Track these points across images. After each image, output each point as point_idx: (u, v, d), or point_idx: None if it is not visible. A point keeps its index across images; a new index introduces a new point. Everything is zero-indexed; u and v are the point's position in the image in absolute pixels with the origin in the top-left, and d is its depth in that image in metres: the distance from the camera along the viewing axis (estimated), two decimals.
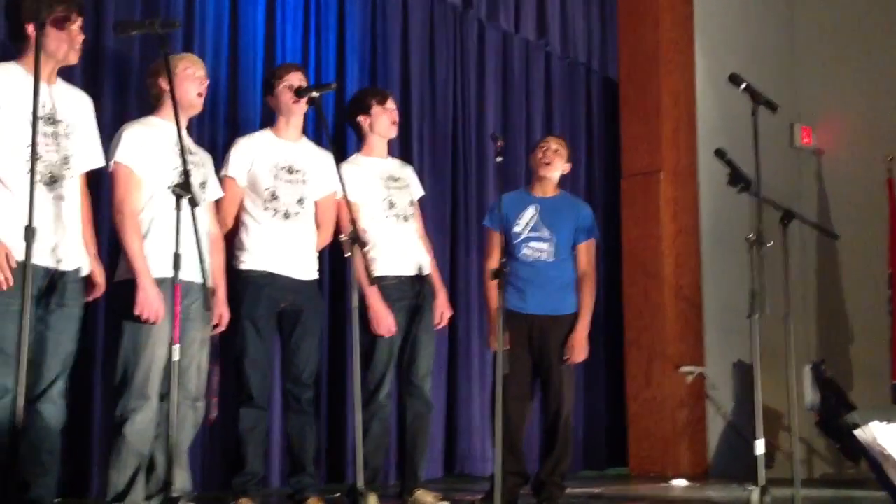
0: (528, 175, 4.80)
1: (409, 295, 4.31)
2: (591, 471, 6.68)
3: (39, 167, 3.07)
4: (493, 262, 4.51)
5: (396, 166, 4.51)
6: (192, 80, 3.71)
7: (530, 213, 4.54)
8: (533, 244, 4.50)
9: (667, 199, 6.87)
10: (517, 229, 4.46)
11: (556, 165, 4.59)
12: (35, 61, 2.92)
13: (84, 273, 3.33)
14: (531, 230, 4.52)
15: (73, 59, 3.29)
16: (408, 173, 4.54)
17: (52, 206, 3.16)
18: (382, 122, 4.41)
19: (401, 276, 4.29)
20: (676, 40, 7.07)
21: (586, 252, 4.59)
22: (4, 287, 3.00)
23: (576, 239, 4.56)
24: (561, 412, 4.44)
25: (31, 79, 3.08)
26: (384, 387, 4.23)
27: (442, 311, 4.45)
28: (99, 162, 3.48)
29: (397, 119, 4.48)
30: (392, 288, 4.22)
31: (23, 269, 2.90)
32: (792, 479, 3.83)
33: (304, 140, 4.24)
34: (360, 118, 4.42)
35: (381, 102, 4.42)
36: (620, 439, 6.82)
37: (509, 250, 4.49)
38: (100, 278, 3.39)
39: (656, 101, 6.93)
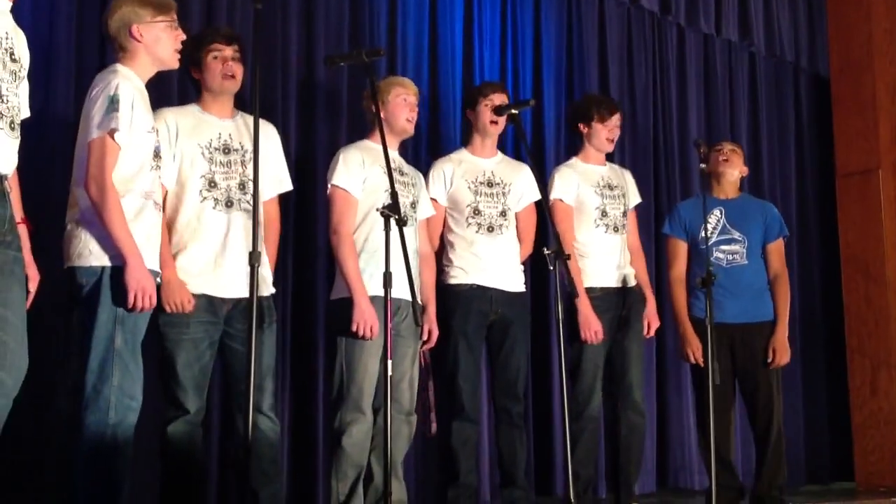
0: (702, 182, 4.76)
1: (614, 306, 4.29)
2: (814, 485, 6.39)
3: (216, 194, 3.31)
4: (677, 270, 4.52)
5: (614, 174, 4.48)
6: (403, 106, 3.85)
7: (716, 216, 4.45)
8: (724, 247, 4.40)
9: (888, 198, 6.50)
10: (704, 234, 4.35)
11: (734, 163, 4.53)
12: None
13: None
14: (720, 233, 4.42)
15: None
16: (626, 180, 4.52)
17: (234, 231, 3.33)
18: (598, 136, 4.41)
19: (606, 288, 4.27)
20: (892, 30, 6.67)
21: (777, 251, 4.47)
22: (182, 310, 3.21)
23: (766, 238, 4.44)
24: (772, 422, 4.32)
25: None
26: (594, 399, 4.22)
27: (649, 320, 4.40)
28: (286, 186, 3.62)
29: (615, 137, 4.44)
30: (597, 299, 4.21)
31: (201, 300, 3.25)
32: None
33: (500, 155, 4.29)
34: (580, 126, 4.46)
35: (602, 119, 4.40)
36: (846, 452, 6.47)
37: (695, 258, 4.41)
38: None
39: (872, 95, 6.58)
